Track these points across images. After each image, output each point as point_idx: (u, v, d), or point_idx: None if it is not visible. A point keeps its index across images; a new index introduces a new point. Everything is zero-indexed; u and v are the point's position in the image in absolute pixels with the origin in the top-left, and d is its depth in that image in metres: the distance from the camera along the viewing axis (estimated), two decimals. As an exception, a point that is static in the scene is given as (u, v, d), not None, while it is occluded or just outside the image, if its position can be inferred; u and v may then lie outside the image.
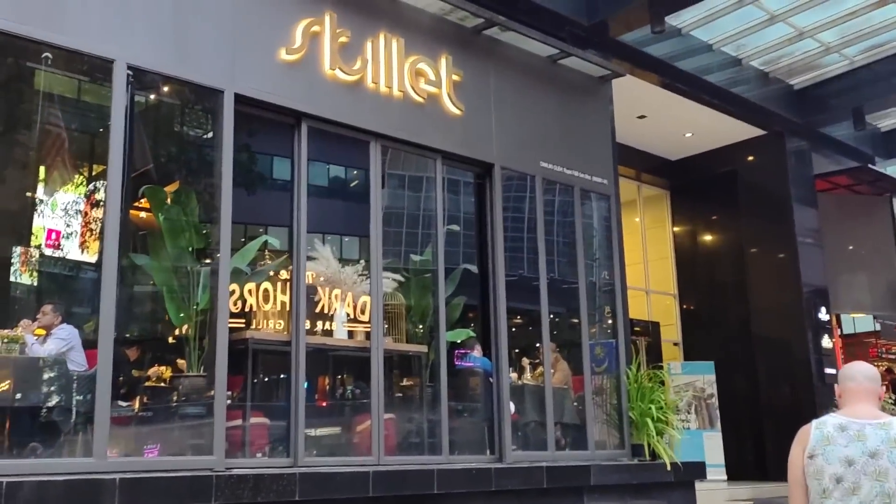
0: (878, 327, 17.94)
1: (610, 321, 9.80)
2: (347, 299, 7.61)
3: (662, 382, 9.61)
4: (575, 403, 9.21)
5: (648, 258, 15.45)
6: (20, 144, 6.64)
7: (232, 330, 6.52)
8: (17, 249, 6.65)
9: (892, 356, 17.69)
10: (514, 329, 9.30)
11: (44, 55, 6.03)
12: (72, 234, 6.75)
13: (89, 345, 6.07)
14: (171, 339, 6.92)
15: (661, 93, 12.25)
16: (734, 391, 14.29)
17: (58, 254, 6.69)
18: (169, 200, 6.64)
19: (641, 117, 13.21)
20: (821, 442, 3.42)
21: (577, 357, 9.27)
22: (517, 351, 9.26)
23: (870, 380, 3.55)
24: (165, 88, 6.74)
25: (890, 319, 17.79)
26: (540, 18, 9.56)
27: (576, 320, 9.25)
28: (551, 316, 9.14)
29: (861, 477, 3.32)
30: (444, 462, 7.52)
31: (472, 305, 8.79)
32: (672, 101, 12.53)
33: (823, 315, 14.01)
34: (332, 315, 7.49)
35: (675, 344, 15.38)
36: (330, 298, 7.51)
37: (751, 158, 14.65)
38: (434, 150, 8.19)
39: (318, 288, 7.50)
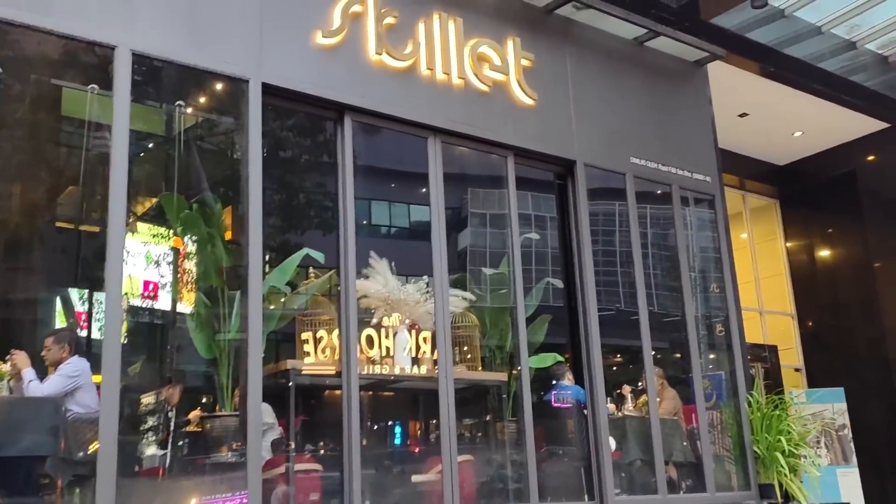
0: None
1: (723, 337, 8.35)
2: (410, 322, 6.49)
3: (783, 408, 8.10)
4: (687, 439, 7.78)
5: (760, 275, 13.82)
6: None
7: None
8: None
9: None
10: (610, 357, 8.02)
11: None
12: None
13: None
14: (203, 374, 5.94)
15: (765, 85, 10.79)
16: (869, 421, 12.42)
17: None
18: (191, 210, 5.68)
19: (743, 115, 11.76)
20: None
21: (686, 384, 7.87)
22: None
23: None
24: (180, 79, 5.83)
25: None
26: (620, 1, 8.37)
27: (682, 336, 7.85)
28: (655, 339, 7.81)
29: None
30: (532, 512, 6.26)
31: (560, 326, 7.53)
32: (778, 94, 11.06)
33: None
34: (393, 340, 6.38)
35: (797, 370, 13.61)
36: (389, 321, 6.41)
37: (872, 157, 12.93)
38: (504, 145, 7.06)
39: (375, 309, 6.42)
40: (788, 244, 14.21)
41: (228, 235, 6.08)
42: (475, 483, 6.48)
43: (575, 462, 7.03)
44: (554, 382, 7.44)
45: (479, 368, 6.83)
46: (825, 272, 13.91)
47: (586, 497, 6.80)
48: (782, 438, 7.55)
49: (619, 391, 7.85)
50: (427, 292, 6.56)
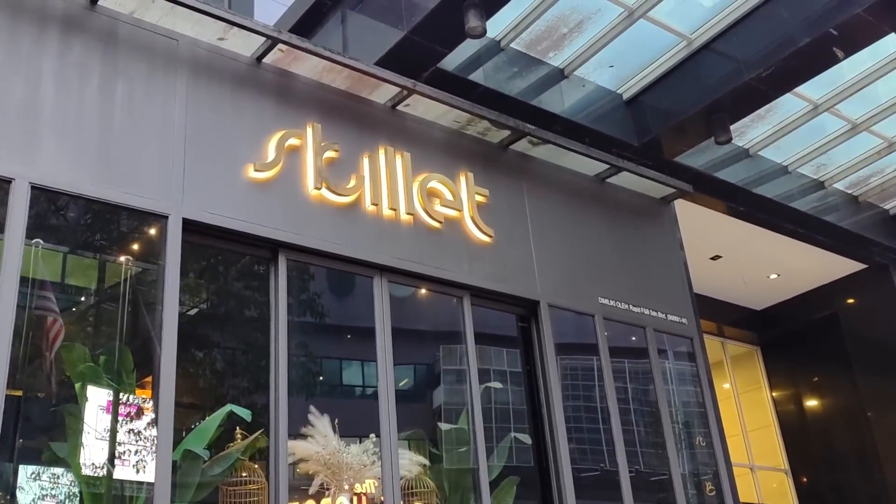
0: None
1: (714, 497, 7.45)
2: (355, 488, 5.60)
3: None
4: None
5: (748, 427, 12.98)
6: None
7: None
8: None
9: None
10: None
11: None
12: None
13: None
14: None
15: (735, 225, 10.49)
16: None
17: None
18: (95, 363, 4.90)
19: (716, 258, 11.39)
20: None
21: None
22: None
23: None
24: (89, 217, 5.23)
25: None
26: (579, 140, 8.02)
27: (669, 497, 6.95)
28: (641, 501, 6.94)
29: None
30: None
31: (530, 488, 6.65)
32: (749, 235, 10.73)
33: None
34: (333, 510, 5.47)
35: (798, 532, 12.51)
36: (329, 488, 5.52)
37: (852, 300, 12.48)
38: (459, 285, 6.43)
39: (314, 475, 5.54)
40: (774, 393, 13.47)
41: (147, 393, 5.29)
42: None
43: None
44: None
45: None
46: (816, 423, 13.10)
47: None
48: None
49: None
50: (375, 453, 5.71)
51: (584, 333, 7.18)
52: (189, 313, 5.70)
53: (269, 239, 5.58)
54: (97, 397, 4.89)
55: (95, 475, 4.78)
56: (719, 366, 13.46)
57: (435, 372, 7.15)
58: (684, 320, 7.82)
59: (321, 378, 6.46)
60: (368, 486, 5.65)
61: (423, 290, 6.41)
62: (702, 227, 10.02)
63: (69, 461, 4.76)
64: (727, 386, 13.31)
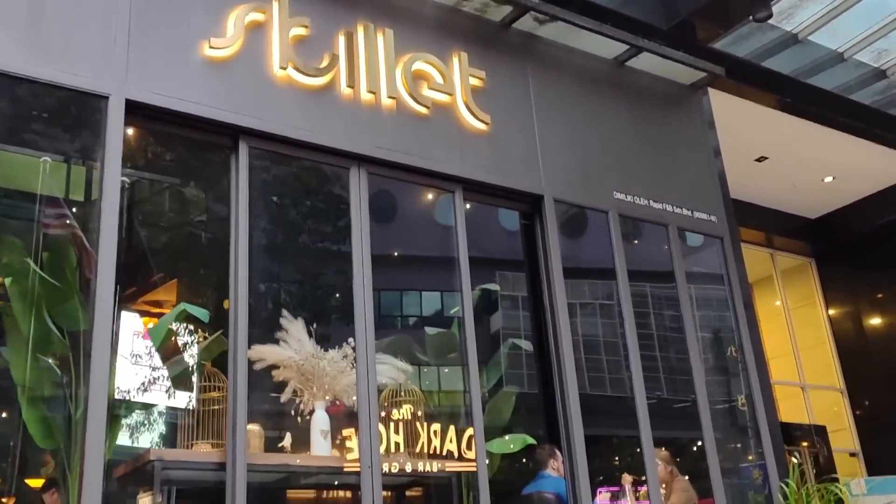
0: None
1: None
2: (331, 398, 5.12)
3: (841, 502, 6.47)
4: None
5: (800, 346, 12.15)
6: None
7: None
8: None
9: None
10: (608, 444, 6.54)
11: None
12: None
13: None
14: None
15: (784, 121, 9.47)
16: (946, 514, 10.46)
17: None
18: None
19: (761, 160, 10.41)
20: None
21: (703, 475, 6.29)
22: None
23: None
24: (22, 98, 4.71)
25: None
26: (600, 22, 7.18)
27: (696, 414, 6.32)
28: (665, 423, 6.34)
29: None
30: None
31: (535, 402, 6.09)
32: (800, 132, 9.72)
33: None
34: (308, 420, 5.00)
35: (853, 454, 11.74)
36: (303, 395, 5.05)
37: (918, 204, 11.43)
38: (450, 177, 5.80)
39: (286, 382, 5.07)
40: (830, 309, 12.56)
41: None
42: None
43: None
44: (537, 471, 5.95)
45: (428, 455, 5.36)
46: (876, 340, 12.18)
47: None
48: (827, 537, 5.88)
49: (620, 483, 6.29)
50: (356, 359, 5.20)
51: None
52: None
53: (228, 124, 5.01)
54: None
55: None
56: (769, 280, 12.59)
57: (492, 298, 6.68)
58: (713, 218, 7.05)
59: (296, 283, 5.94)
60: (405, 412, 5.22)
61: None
62: (745, 125, 9.10)
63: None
64: (778, 303, 12.47)
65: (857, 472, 11.57)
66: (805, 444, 11.27)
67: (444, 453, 5.35)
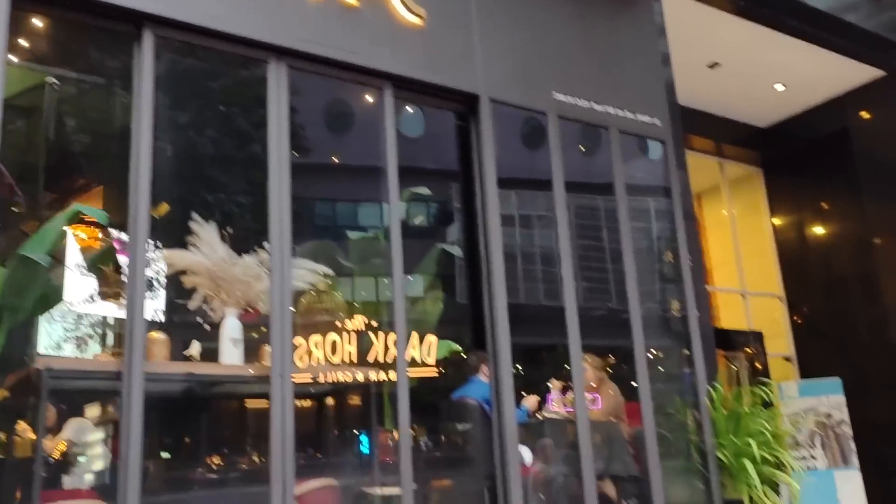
0: None
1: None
2: (244, 304, 4.91)
3: (770, 404, 6.53)
4: (632, 446, 6.20)
5: (744, 254, 12.21)
6: None
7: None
8: None
9: None
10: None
11: None
12: None
13: None
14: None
15: (737, 26, 9.20)
16: (872, 416, 10.80)
17: None
18: None
19: (714, 66, 10.17)
20: None
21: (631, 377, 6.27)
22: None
23: None
24: None
25: None
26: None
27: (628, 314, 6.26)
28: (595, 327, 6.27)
29: None
30: (409, 551, 4.68)
31: (465, 310, 5.97)
32: (752, 37, 9.45)
33: None
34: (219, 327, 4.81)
35: (787, 359, 11.99)
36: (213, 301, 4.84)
37: (866, 114, 11.33)
38: (379, 73, 5.47)
39: (196, 289, 4.85)
40: (775, 218, 12.59)
41: None
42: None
43: (478, 482, 5.45)
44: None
45: (352, 363, 5.23)
46: (817, 249, 12.30)
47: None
48: (752, 442, 5.94)
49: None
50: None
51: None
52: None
53: (130, 9, 4.60)
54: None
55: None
56: (716, 191, 12.56)
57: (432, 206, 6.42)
58: (657, 121, 6.84)
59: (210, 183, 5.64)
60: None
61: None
62: (698, 29, 8.82)
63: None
64: (725, 211, 12.46)
65: (791, 375, 11.85)
66: (744, 350, 11.48)
67: (373, 362, 5.22)
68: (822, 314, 12.00)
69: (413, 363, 5.64)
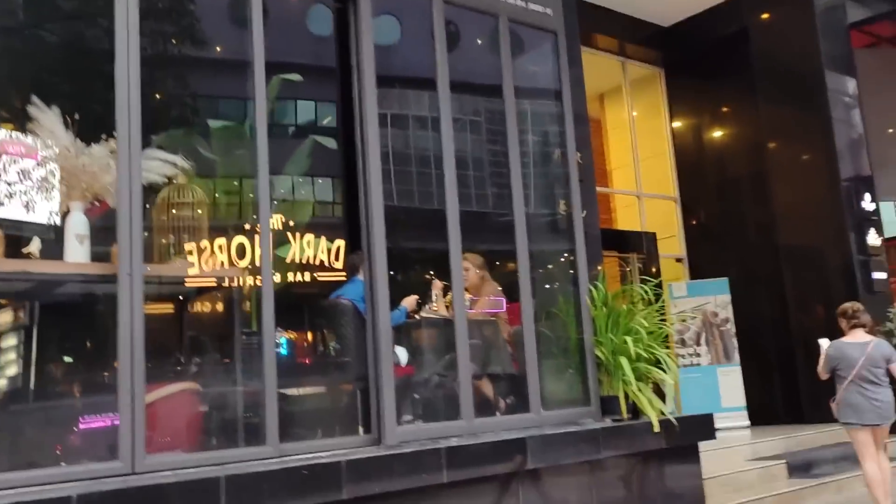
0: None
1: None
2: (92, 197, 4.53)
3: (655, 302, 6.54)
4: (511, 346, 6.17)
5: (641, 156, 12.24)
6: None
7: None
8: None
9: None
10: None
11: None
12: None
13: None
14: None
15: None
16: (756, 315, 11.21)
17: None
18: None
19: (617, -41, 9.90)
20: None
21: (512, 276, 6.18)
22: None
23: None
24: None
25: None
26: None
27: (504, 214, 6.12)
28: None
29: None
30: (273, 455, 4.53)
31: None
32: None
33: (868, 204, 10.78)
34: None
35: (679, 260, 12.25)
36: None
37: (765, 14, 11.30)
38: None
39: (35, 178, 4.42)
40: (674, 121, 12.62)
41: None
42: (197, 420, 4.71)
43: (351, 383, 5.33)
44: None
45: (220, 264, 4.93)
46: (713, 151, 12.43)
47: (361, 429, 5.11)
48: (628, 339, 5.98)
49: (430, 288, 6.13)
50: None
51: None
52: None
53: None
54: None
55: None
56: (617, 91, 12.47)
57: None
58: (549, 10, 6.56)
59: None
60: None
61: None
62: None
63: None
64: (625, 112, 12.39)
65: (682, 276, 12.13)
66: (637, 251, 11.64)
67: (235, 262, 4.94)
68: (715, 216, 12.23)
69: (303, 265, 5.37)
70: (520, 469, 5.14)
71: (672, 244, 12.18)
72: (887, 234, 15.00)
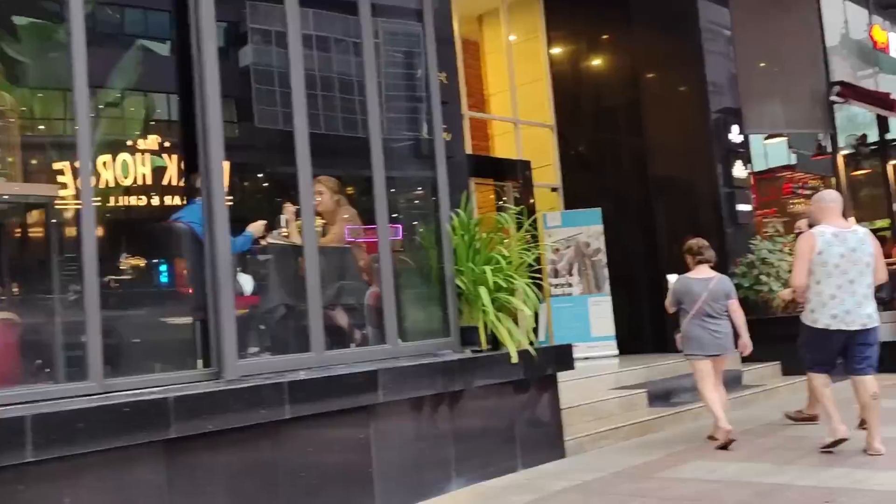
0: (793, 160, 15.22)
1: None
2: None
3: (518, 231, 6.37)
4: (367, 274, 5.90)
5: (518, 82, 12.01)
6: None
7: None
8: None
9: (808, 191, 15.13)
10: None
11: None
12: None
13: None
14: None
15: None
16: (627, 246, 11.33)
17: None
18: None
19: None
20: (825, 244, 5.65)
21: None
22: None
23: (838, 201, 5.92)
24: None
25: (810, 135, 14.88)
26: None
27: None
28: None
29: (849, 264, 5.62)
30: (96, 391, 4.14)
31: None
32: None
33: (736, 136, 10.96)
34: None
35: (554, 189, 12.21)
36: None
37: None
38: None
39: None
40: (552, 47, 12.41)
41: None
42: (10, 353, 4.25)
43: (189, 313, 4.95)
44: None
45: (21, 179, 4.40)
46: (591, 80, 12.34)
47: (200, 363, 4.76)
48: (487, 269, 5.80)
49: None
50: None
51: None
52: None
53: None
54: None
55: None
56: (495, 14, 12.13)
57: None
58: (411, -80, 6.14)
59: None
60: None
61: None
62: None
63: None
64: (503, 37, 12.08)
65: (557, 205, 12.11)
66: (512, 179, 11.51)
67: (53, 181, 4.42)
68: (591, 145, 12.22)
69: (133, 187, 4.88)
70: (370, 403, 4.93)
71: (548, 173, 12.11)
72: (757, 168, 15.53)
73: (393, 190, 5.99)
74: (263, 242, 5.43)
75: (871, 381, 5.65)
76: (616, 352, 10.90)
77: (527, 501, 5.02)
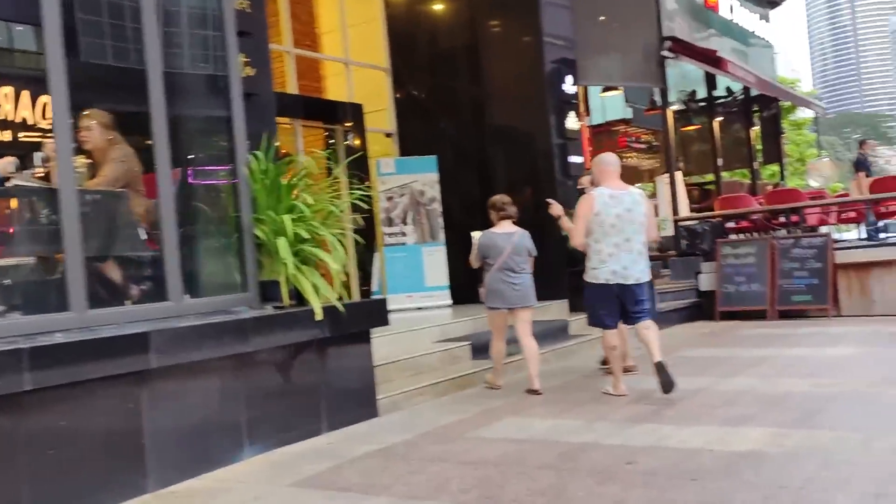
0: (629, 114, 15.44)
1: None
2: None
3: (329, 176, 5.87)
4: (147, 223, 5.22)
5: (350, 21, 11.35)
6: None
7: None
8: None
9: (642, 145, 15.42)
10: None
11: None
12: None
13: None
14: None
15: None
16: (463, 195, 11.03)
17: None
18: None
19: None
20: (603, 205, 5.92)
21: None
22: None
23: (616, 164, 6.24)
24: None
25: (645, 89, 15.08)
26: None
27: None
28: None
29: (625, 223, 5.93)
30: None
31: None
32: None
33: (569, 87, 10.80)
34: None
35: (389, 135, 11.72)
36: None
37: None
38: None
39: None
40: (387, -16, 11.81)
41: None
42: None
43: None
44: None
45: None
46: (428, 23, 11.85)
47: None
48: (286, 218, 5.27)
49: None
50: None
51: None
52: None
53: None
54: None
55: None
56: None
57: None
58: None
59: None
60: None
61: None
62: None
63: None
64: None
65: (391, 151, 11.64)
66: (342, 123, 10.93)
67: None
68: (427, 91, 11.79)
69: None
70: (142, 369, 4.34)
71: (383, 118, 11.60)
72: (596, 121, 15.64)
73: (184, 129, 5.33)
74: (10, 184, 4.65)
75: (647, 322, 6.07)
76: (450, 301, 10.67)
77: (321, 470, 4.60)
